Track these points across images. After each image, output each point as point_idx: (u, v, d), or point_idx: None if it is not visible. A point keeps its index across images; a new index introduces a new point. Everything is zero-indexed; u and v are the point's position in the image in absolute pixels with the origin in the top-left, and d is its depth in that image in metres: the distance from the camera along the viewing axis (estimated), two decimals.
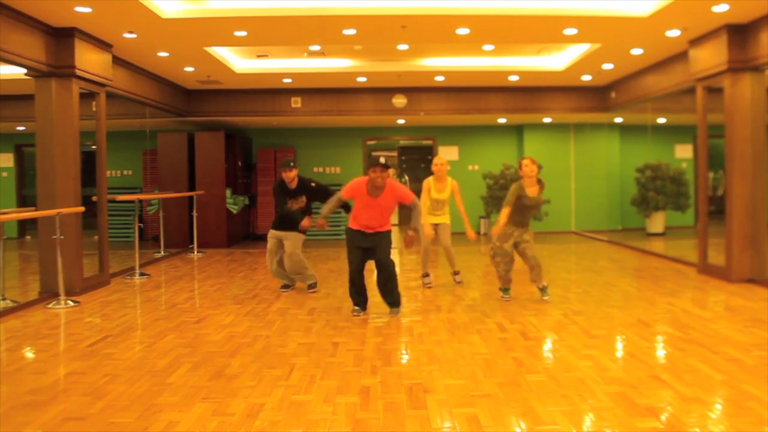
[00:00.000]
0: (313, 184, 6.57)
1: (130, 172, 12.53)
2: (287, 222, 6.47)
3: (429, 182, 6.81)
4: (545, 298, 5.98)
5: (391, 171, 5.03)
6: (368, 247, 5.47)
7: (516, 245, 5.89)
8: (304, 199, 6.49)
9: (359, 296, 5.61)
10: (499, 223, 5.78)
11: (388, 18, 6.52)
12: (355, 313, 5.55)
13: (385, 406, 3.36)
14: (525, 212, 5.85)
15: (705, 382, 3.64)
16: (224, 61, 8.57)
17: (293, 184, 6.46)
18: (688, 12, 6.28)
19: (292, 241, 6.45)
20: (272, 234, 6.59)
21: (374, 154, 13.77)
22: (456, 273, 7.04)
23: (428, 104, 10.90)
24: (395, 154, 14.00)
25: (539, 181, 5.83)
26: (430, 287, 6.83)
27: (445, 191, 6.75)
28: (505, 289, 6.10)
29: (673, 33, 7.08)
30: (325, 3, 6.35)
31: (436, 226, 6.80)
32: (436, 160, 6.82)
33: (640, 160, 11.73)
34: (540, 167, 5.86)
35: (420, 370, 3.97)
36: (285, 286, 6.76)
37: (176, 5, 6.33)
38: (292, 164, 6.43)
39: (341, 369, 4.01)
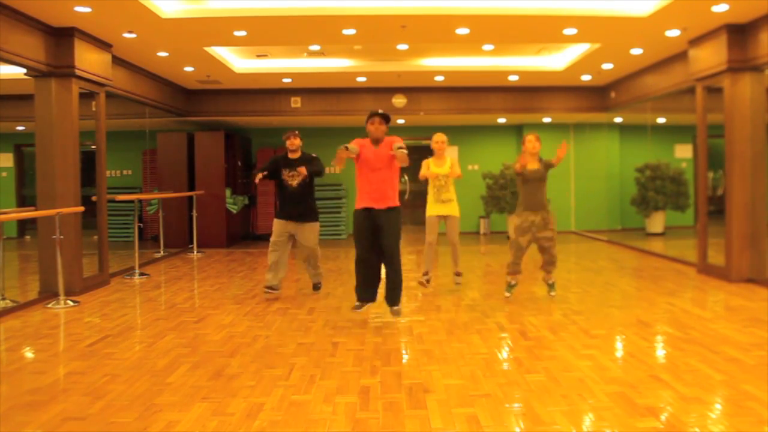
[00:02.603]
0: (314, 154, 6.27)
1: (130, 172, 12.53)
2: (300, 208, 6.14)
3: (428, 161, 6.55)
4: (552, 293, 6.05)
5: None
6: (375, 229, 5.11)
7: (536, 241, 5.86)
8: (303, 169, 6.00)
9: (367, 287, 5.25)
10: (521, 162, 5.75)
11: (388, 18, 6.52)
12: (358, 308, 5.30)
13: (385, 406, 3.36)
14: (532, 189, 5.82)
15: (705, 382, 3.64)
16: (224, 61, 8.57)
17: (295, 155, 6.17)
18: (687, 12, 6.28)
19: (312, 233, 6.19)
20: (281, 225, 6.16)
21: None
22: (458, 274, 6.78)
23: (428, 104, 10.90)
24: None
25: (540, 159, 5.89)
26: (425, 285, 6.58)
27: (445, 165, 6.50)
28: (511, 286, 6.04)
29: (673, 33, 7.08)
30: (325, 3, 6.35)
31: (443, 218, 6.51)
32: (435, 137, 6.54)
33: (640, 160, 11.73)
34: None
35: (420, 370, 3.97)
36: (271, 288, 6.21)
37: (176, 5, 6.33)
38: (297, 132, 6.20)
39: (341, 369, 4.01)
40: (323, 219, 11.84)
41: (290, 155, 6.21)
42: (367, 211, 5.15)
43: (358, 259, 5.24)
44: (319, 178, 6.30)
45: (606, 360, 4.11)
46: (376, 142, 5.23)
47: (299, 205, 6.17)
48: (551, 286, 6.13)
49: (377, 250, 5.20)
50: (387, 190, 5.17)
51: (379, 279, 5.36)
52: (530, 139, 5.88)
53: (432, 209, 6.55)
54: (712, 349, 4.28)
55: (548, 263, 6.00)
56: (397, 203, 5.25)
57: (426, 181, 6.69)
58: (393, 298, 5.30)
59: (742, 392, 3.46)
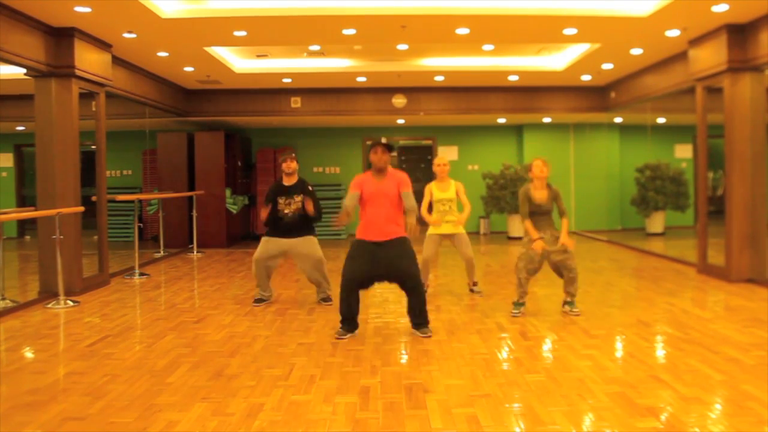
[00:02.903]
0: (310, 188, 5.94)
1: (130, 172, 12.54)
2: (294, 230, 5.86)
3: (430, 186, 6.35)
4: (575, 310, 5.44)
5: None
6: (379, 258, 4.77)
7: (547, 258, 5.41)
8: (299, 199, 5.82)
9: (354, 315, 4.87)
10: (532, 237, 5.35)
11: (388, 18, 6.52)
12: (340, 336, 4.78)
13: (385, 406, 3.36)
14: (538, 219, 5.47)
15: (705, 382, 3.64)
16: (224, 61, 8.57)
17: (291, 180, 5.88)
18: (687, 12, 6.28)
19: (312, 244, 5.92)
20: (271, 242, 5.87)
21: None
22: (474, 284, 6.53)
23: (428, 104, 10.90)
24: (395, 154, 14.04)
25: (549, 187, 5.47)
26: None
27: (449, 190, 6.30)
28: (519, 303, 5.49)
29: (673, 33, 7.08)
30: (325, 3, 6.35)
31: (449, 236, 6.30)
32: (437, 161, 6.40)
33: (640, 160, 11.73)
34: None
35: (420, 370, 3.97)
36: (260, 300, 6.06)
37: (176, 5, 6.33)
38: (293, 155, 5.89)
39: (341, 369, 4.01)
40: (323, 218, 11.84)
41: (285, 180, 5.89)
42: (371, 243, 4.81)
43: (348, 282, 4.78)
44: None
45: (606, 360, 4.11)
46: (379, 172, 4.90)
47: (293, 231, 5.88)
48: (571, 303, 5.48)
49: (373, 279, 4.91)
50: (390, 227, 4.82)
51: (358, 309, 4.93)
52: (538, 164, 5.40)
53: (434, 228, 6.33)
54: (712, 349, 4.28)
55: (569, 283, 5.41)
56: (405, 232, 4.86)
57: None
58: (423, 320, 4.91)
59: (742, 392, 3.46)
